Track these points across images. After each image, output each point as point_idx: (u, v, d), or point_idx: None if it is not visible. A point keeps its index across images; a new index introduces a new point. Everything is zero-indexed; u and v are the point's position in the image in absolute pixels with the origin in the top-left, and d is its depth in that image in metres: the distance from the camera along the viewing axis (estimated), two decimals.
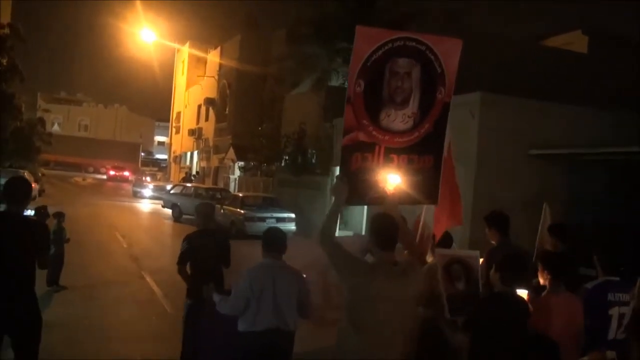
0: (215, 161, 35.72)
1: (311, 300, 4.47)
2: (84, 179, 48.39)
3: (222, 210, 19.61)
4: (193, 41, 44.27)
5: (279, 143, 23.94)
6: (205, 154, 38.36)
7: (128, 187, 39.44)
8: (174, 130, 47.65)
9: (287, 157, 22.42)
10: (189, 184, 26.63)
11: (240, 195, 20.46)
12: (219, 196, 23.19)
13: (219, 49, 37.02)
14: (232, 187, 29.99)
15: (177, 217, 22.28)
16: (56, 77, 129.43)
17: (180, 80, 46.52)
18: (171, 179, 42.99)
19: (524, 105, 12.34)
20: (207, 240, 5.73)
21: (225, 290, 4.82)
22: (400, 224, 3.78)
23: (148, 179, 36.58)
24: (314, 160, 21.86)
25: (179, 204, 22.72)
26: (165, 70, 70.23)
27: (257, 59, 30.95)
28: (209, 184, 33.79)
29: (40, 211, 7.70)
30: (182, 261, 5.73)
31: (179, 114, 46.62)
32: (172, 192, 24.92)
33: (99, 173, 55.77)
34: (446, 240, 4.95)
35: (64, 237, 9.53)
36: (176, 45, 44.74)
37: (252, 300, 4.28)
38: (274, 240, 4.45)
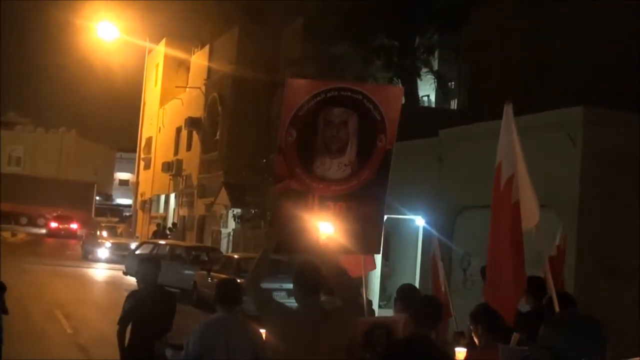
0: (200, 208, 35.94)
1: (268, 357, 5.35)
2: (14, 234, 48.96)
3: (209, 279, 19.60)
4: (171, 38, 45.23)
5: None
6: (186, 197, 38.65)
7: (76, 246, 39.70)
8: (142, 164, 48.24)
9: None
10: (162, 241, 26.77)
11: (236, 257, 20.48)
12: (206, 258, 23.23)
13: (207, 48, 37.71)
14: (225, 245, 30.04)
15: None
16: None
17: (152, 93, 47.37)
18: (137, 234, 43.23)
19: None
20: (153, 300, 7.11)
21: (177, 345, 5.98)
22: (339, 273, 5.02)
23: (105, 233, 36.87)
24: None
25: None
26: (131, 80, 71.58)
27: (262, 62, 31.40)
28: (191, 240, 33.89)
29: None
30: (125, 322, 7.12)
31: (149, 140, 47.30)
32: (138, 252, 25.00)
33: (36, 225, 56.38)
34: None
35: None
36: (147, 44, 45.71)
37: (204, 356, 5.49)
38: (227, 292, 5.73)
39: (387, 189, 5.63)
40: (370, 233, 5.61)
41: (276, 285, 17.40)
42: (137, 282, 7.60)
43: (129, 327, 7.17)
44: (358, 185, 5.48)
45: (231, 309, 5.66)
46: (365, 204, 5.52)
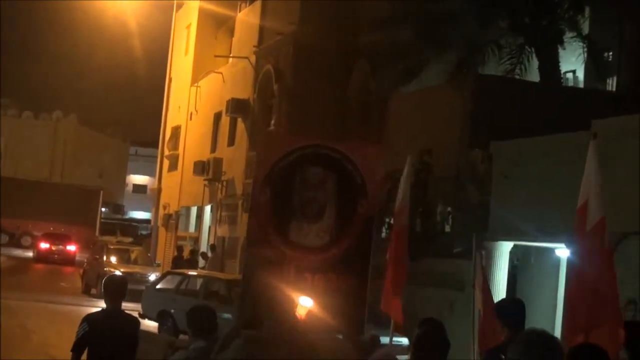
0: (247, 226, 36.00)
1: None
2: None
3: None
4: None
5: None
6: (227, 211, 38.86)
7: (75, 275, 40.27)
8: (166, 163, 48.70)
9: (390, 219, 22.33)
10: (193, 272, 26.92)
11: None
12: None
13: (258, 2, 37.90)
14: None
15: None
16: None
17: (181, 65, 47.93)
18: (158, 261, 43.65)
19: None
20: (113, 325, 8.49)
21: None
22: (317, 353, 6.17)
23: (113, 259, 37.34)
24: (447, 226, 21.66)
25: (172, 311, 22.91)
26: (152, 48, 71.89)
27: (336, 23, 31.40)
28: (233, 271, 34.01)
29: None
30: (79, 349, 8.46)
31: (176, 131, 47.84)
32: (159, 287, 25.23)
33: (20, 246, 57.41)
34: None
35: None
36: None
37: None
38: (202, 321, 6.86)
39: (371, 260, 6.88)
40: (351, 309, 6.83)
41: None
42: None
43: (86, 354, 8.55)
44: (338, 254, 6.83)
45: (210, 337, 7.01)
46: (346, 276, 6.81)
